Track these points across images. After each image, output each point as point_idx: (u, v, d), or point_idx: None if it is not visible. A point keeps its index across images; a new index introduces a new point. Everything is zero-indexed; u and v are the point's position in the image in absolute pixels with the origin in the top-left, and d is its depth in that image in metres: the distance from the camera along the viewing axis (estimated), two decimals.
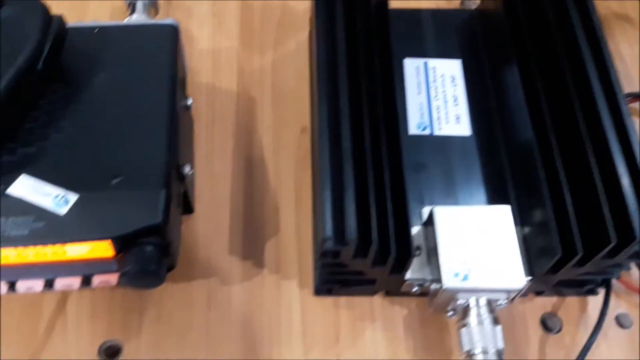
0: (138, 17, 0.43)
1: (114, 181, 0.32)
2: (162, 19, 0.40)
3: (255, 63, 0.47)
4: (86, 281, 0.32)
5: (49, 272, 0.32)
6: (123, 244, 0.31)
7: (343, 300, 0.38)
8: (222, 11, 0.49)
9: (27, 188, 0.31)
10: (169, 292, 0.37)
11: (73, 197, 0.31)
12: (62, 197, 0.31)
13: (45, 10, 0.35)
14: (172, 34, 0.39)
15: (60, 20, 0.36)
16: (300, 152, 0.43)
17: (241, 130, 0.44)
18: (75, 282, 0.32)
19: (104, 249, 0.31)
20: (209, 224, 0.40)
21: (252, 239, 0.40)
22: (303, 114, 0.45)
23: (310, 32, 0.46)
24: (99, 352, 0.35)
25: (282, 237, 0.40)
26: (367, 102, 0.34)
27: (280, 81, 0.46)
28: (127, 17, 0.43)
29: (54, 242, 0.30)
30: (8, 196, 0.31)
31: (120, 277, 0.31)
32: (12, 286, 0.32)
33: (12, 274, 0.31)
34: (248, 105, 0.45)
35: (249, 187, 0.41)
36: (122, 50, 0.38)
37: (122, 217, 0.30)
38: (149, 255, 0.30)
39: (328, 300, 0.38)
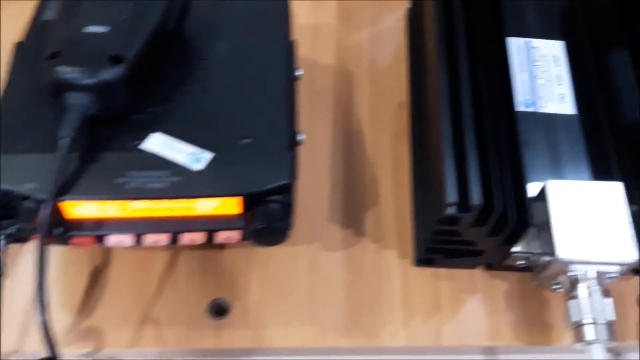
0: None
1: (242, 142, 0.33)
2: None
3: (352, 39, 0.48)
4: (209, 237, 0.33)
5: (176, 227, 0.33)
6: (252, 201, 0.32)
7: (443, 272, 0.38)
8: None
9: (160, 144, 0.32)
10: (274, 255, 0.38)
11: (207, 155, 0.32)
12: (196, 154, 0.32)
13: None
14: (283, 7, 0.41)
15: None
16: (397, 127, 0.44)
17: (340, 103, 0.45)
18: (199, 237, 0.33)
19: (232, 205, 0.32)
20: (310, 192, 0.41)
21: (352, 209, 0.40)
22: (400, 90, 0.45)
23: (415, 9, 0.46)
24: (208, 309, 0.37)
25: (380, 208, 0.41)
26: (484, 75, 0.34)
27: (377, 57, 0.47)
28: None
29: (192, 196, 0.31)
30: (142, 151, 0.32)
31: (247, 233, 0.32)
32: (137, 239, 0.33)
33: (139, 227, 0.33)
34: (346, 80, 0.46)
35: (348, 158, 0.42)
36: (238, 20, 0.39)
37: (253, 176, 0.32)
38: (277, 212, 0.31)
39: (428, 272, 0.38)
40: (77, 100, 0.31)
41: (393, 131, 0.44)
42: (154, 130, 0.33)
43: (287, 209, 0.32)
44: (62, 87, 0.31)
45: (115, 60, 0.32)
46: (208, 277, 0.38)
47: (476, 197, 0.31)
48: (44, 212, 0.30)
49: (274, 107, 0.35)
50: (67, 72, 0.31)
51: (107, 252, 0.38)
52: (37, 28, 0.38)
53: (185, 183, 0.31)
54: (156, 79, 0.35)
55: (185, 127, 0.33)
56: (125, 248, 0.37)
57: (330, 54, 0.47)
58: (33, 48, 0.37)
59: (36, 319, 0.31)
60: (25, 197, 0.30)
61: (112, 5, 0.34)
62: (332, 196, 0.41)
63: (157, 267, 0.38)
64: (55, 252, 0.37)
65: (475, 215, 0.31)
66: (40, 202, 0.30)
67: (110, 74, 0.31)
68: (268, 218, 0.31)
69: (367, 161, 0.42)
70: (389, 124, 0.44)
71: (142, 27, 0.34)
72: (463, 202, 0.31)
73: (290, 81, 0.36)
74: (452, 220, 0.32)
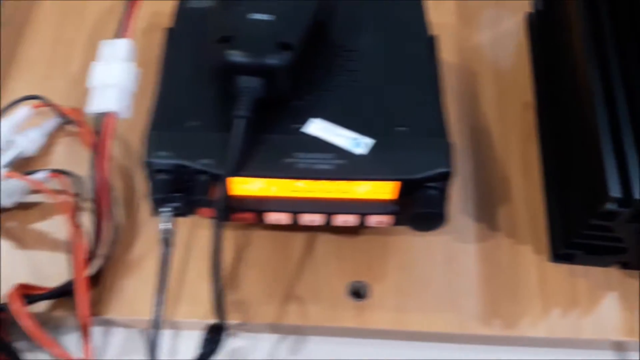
0: None
1: (399, 129, 0.34)
2: None
3: (473, 39, 0.48)
4: (362, 220, 0.34)
5: (331, 208, 0.34)
6: (409, 187, 0.33)
7: (579, 268, 0.38)
8: None
9: (321, 129, 0.34)
10: (408, 243, 0.39)
11: (367, 140, 0.33)
12: (357, 139, 0.33)
13: None
14: (418, 2, 0.42)
15: None
16: (525, 126, 0.44)
17: (465, 101, 0.45)
18: (353, 219, 0.34)
19: (388, 190, 0.33)
20: None
21: (483, 203, 0.41)
22: (524, 90, 0.46)
23: (541, 13, 0.47)
24: (347, 291, 0.38)
25: (512, 204, 0.41)
26: (634, 67, 0.35)
27: (499, 57, 0.47)
28: None
29: (358, 179, 0.32)
30: (305, 134, 0.34)
31: (403, 218, 0.33)
32: (294, 218, 0.34)
33: (297, 206, 0.34)
34: (469, 79, 0.46)
35: (476, 154, 0.43)
36: (378, 15, 0.40)
37: (414, 163, 0.32)
38: (436, 198, 0.32)
39: (564, 268, 0.38)
40: (249, 83, 0.33)
41: (520, 130, 0.44)
42: (312, 116, 0.34)
43: (445, 196, 0.33)
44: (234, 70, 0.33)
45: (284, 46, 0.33)
46: (345, 260, 0.39)
47: (637, 191, 0.31)
48: (222, 187, 0.31)
49: (426, 98, 0.36)
50: (240, 55, 0.32)
51: (248, 232, 0.40)
52: (186, 14, 0.40)
53: (349, 166, 0.32)
54: (310, 67, 0.37)
55: (340, 114, 0.35)
56: (270, 227, 0.39)
57: (452, 52, 0.47)
58: (185, 33, 0.39)
59: (213, 289, 0.32)
60: (200, 172, 0.32)
61: None
62: (463, 190, 0.41)
63: (295, 248, 0.39)
64: (199, 232, 0.39)
65: (635, 210, 0.31)
66: (215, 177, 0.32)
67: (279, 59, 0.33)
68: (428, 204, 0.32)
69: (496, 158, 0.43)
70: (515, 123, 0.44)
71: (304, 15, 0.35)
72: (626, 196, 0.31)
73: (437, 71, 0.37)
74: (611, 215, 0.32)
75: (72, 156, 0.41)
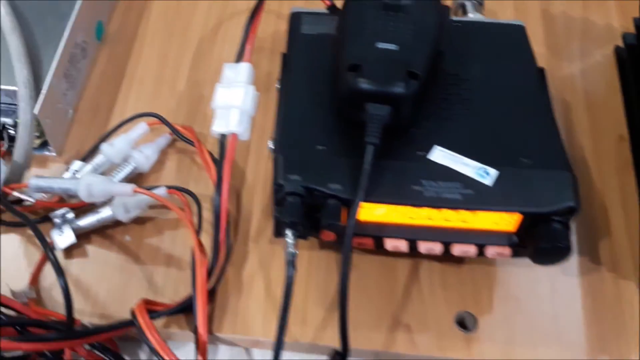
0: (476, 16, 0.46)
1: (522, 161, 0.34)
2: None
3: (564, 70, 0.49)
4: (480, 250, 0.35)
5: (450, 237, 0.34)
6: (532, 220, 0.33)
7: None
8: (525, 17, 0.52)
9: (445, 157, 0.34)
10: (513, 273, 0.39)
11: (493, 171, 0.33)
12: (483, 169, 0.34)
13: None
14: (522, 32, 0.43)
15: (448, 9, 0.40)
16: (620, 158, 0.44)
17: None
18: (472, 249, 0.34)
19: (509, 222, 0.33)
20: None
21: (584, 235, 0.41)
22: (618, 123, 0.46)
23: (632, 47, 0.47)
24: (455, 320, 0.38)
25: (614, 237, 0.41)
26: None
27: (591, 89, 0.48)
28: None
29: (486, 209, 0.32)
30: (431, 162, 0.34)
31: (526, 251, 0.34)
32: (412, 245, 0.35)
33: (416, 234, 0.35)
34: (562, 108, 0.47)
35: None
36: (484, 43, 0.41)
37: (540, 196, 0.33)
38: (562, 232, 0.32)
39: None
40: (378, 111, 0.33)
41: (616, 162, 0.44)
42: (432, 144, 0.35)
43: (570, 230, 0.33)
44: (363, 97, 0.33)
45: (411, 75, 0.34)
46: (450, 290, 0.39)
47: None
48: (353, 212, 0.32)
49: (545, 128, 0.36)
50: (370, 83, 0.33)
51: (354, 256, 0.39)
52: (300, 40, 0.41)
53: (476, 196, 0.33)
54: (428, 96, 0.37)
55: (459, 142, 0.35)
56: (375, 251, 0.39)
57: None
58: (301, 58, 0.40)
59: (339, 314, 0.33)
60: (330, 196, 0.33)
61: (395, 22, 0.36)
62: None
63: (401, 275, 0.39)
64: (302, 253, 0.39)
65: None
66: (343, 201, 0.33)
67: (407, 88, 0.33)
68: (554, 238, 0.32)
69: (594, 189, 0.43)
70: (610, 155, 0.45)
71: (427, 44, 0.36)
72: None
73: (551, 104, 0.38)
74: None
75: (183, 173, 0.42)
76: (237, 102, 0.37)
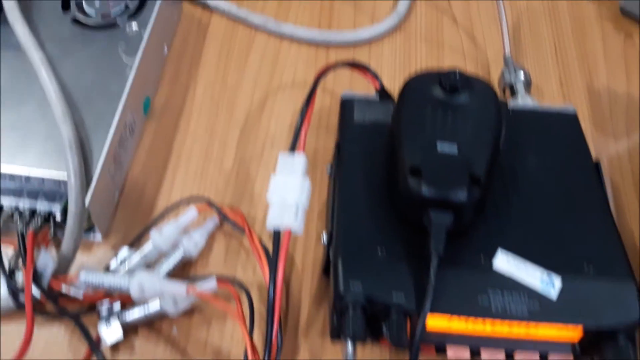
0: (525, 99, 0.45)
1: (584, 267, 0.34)
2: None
3: (610, 149, 0.48)
4: (543, 359, 0.34)
5: (513, 345, 0.34)
6: (597, 332, 0.32)
7: None
8: (569, 90, 0.51)
9: (508, 263, 0.34)
10: None
11: (557, 281, 0.33)
12: (548, 278, 0.33)
13: (496, 94, 0.38)
14: (575, 120, 0.42)
15: (505, 105, 0.40)
16: None
17: None
18: (534, 358, 0.34)
19: (574, 333, 0.33)
20: None
21: None
22: None
23: None
24: None
25: None
26: None
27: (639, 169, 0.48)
28: (508, 99, 0.46)
29: (551, 321, 0.32)
30: (492, 268, 0.33)
31: None
32: (474, 354, 0.34)
33: (477, 342, 0.34)
34: (611, 190, 0.46)
35: None
36: (536, 133, 0.41)
37: (605, 310, 0.32)
38: (626, 348, 0.32)
39: None
40: (442, 219, 0.33)
41: None
42: (492, 247, 0.35)
43: (634, 344, 0.32)
44: (426, 204, 0.33)
45: (474, 180, 0.33)
46: None
47: None
48: (420, 323, 0.31)
49: (606, 231, 0.36)
50: (433, 190, 0.33)
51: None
52: (353, 130, 0.41)
53: (542, 309, 0.32)
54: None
55: (519, 245, 0.35)
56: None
57: None
58: (355, 151, 0.39)
59: None
60: (393, 306, 0.32)
61: (454, 118, 0.36)
62: None
63: None
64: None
65: None
66: (407, 311, 0.32)
67: (471, 195, 0.33)
68: (618, 352, 0.32)
69: None
70: None
71: (487, 144, 0.35)
72: None
73: (608, 203, 0.37)
74: None
75: (231, 258, 0.41)
76: (292, 197, 0.36)
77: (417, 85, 0.38)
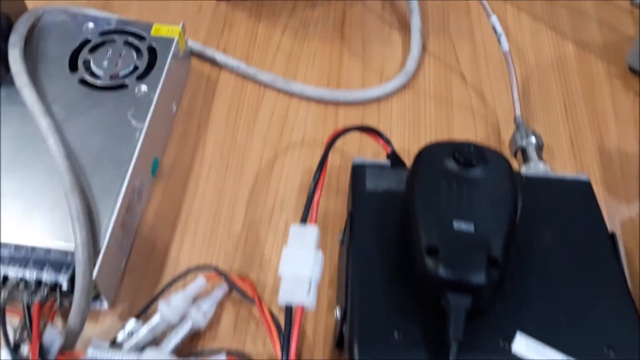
0: (537, 165, 0.45)
1: (605, 351, 0.33)
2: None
3: (624, 213, 0.48)
4: None
5: None
6: None
7: None
8: (580, 150, 0.51)
9: (527, 347, 0.33)
10: None
11: None
12: None
13: (511, 166, 0.38)
14: (589, 189, 0.42)
15: (521, 178, 0.39)
16: None
17: None
18: None
19: None
20: None
21: None
22: None
23: None
24: None
25: None
26: None
27: None
28: (520, 164, 0.46)
29: None
30: (513, 354, 0.33)
31: None
32: None
33: None
34: (626, 257, 0.45)
35: None
36: (552, 205, 0.40)
37: None
38: None
39: None
40: (460, 303, 0.32)
41: None
42: (512, 329, 0.34)
43: None
44: (444, 286, 0.32)
45: (492, 261, 0.33)
46: None
47: None
48: None
49: (626, 314, 0.34)
50: (450, 273, 0.32)
51: None
52: (367, 199, 0.40)
53: None
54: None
55: (540, 326, 0.34)
56: None
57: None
58: (369, 221, 0.38)
59: None
60: None
61: (470, 193, 0.35)
62: None
63: None
64: None
65: None
66: None
67: (490, 277, 0.32)
68: None
69: None
70: None
71: (504, 221, 0.35)
72: None
73: (625, 278, 0.37)
74: None
75: (240, 329, 0.40)
76: (305, 271, 0.35)
77: (430, 157, 0.38)
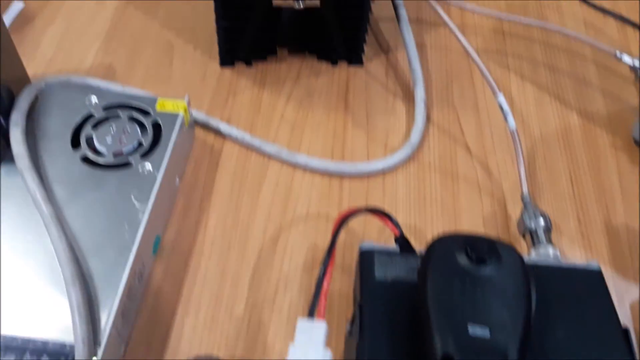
0: (546, 250, 0.44)
1: None
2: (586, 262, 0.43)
3: (632, 293, 0.47)
4: None
5: None
6: None
7: None
8: (589, 231, 0.50)
9: None
10: None
11: None
12: None
13: (523, 261, 0.37)
14: (601, 279, 0.41)
15: (534, 274, 0.39)
16: None
17: None
18: None
19: None
20: None
21: None
22: None
23: None
24: None
25: None
26: None
27: None
28: (529, 248, 0.45)
29: None
30: None
31: None
32: None
33: None
34: (636, 340, 0.45)
35: None
36: (563, 296, 0.39)
37: None
38: None
39: None
40: None
41: None
42: None
43: None
44: None
45: None
46: None
47: None
48: None
49: None
50: None
51: None
52: (377, 290, 0.38)
53: None
54: None
55: None
56: None
57: None
58: (379, 314, 0.37)
59: None
60: None
61: (484, 296, 0.34)
62: None
63: None
64: None
65: None
66: None
67: None
68: None
69: None
70: None
71: (520, 324, 0.34)
72: None
73: None
74: None
75: None
76: None
77: (441, 252, 0.37)
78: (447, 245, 0.37)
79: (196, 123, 0.54)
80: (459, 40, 0.53)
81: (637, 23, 0.66)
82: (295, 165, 0.52)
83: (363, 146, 0.54)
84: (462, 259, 0.36)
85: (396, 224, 0.42)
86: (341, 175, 0.52)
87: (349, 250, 0.47)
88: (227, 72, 0.59)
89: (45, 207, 0.38)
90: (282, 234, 0.48)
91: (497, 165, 0.54)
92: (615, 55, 0.57)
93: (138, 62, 0.59)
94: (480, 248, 0.36)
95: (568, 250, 0.49)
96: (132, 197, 0.42)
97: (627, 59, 0.57)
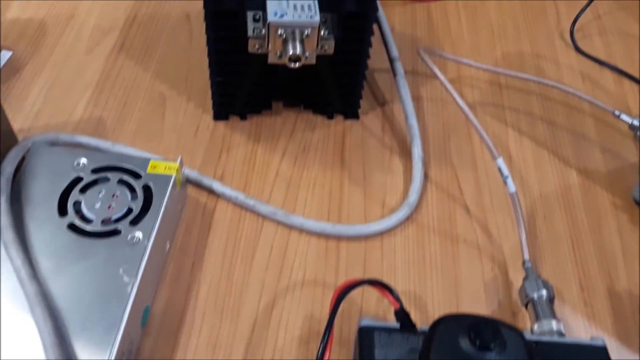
0: (550, 324, 0.43)
1: None
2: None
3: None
4: None
5: None
6: None
7: None
8: (592, 298, 0.49)
9: None
10: None
11: None
12: None
13: (527, 345, 0.36)
14: (605, 354, 0.40)
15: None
16: None
17: None
18: None
19: None
20: None
21: None
22: None
23: None
24: None
25: None
26: None
27: None
28: (532, 319, 0.44)
29: None
30: None
31: None
32: None
33: None
34: None
35: None
36: None
37: None
38: None
39: None
40: None
41: None
42: None
43: None
44: None
45: None
46: None
47: None
48: None
49: None
50: None
51: None
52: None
53: None
54: None
55: None
56: None
57: None
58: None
59: None
60: None
61: None
62: None
63: None
64: None
65: None
66: None
67: None
68: None
69: None
70: None
71: None
72: None
73: None
74: None
75: None
76: None
77: (444, 336, 0.35)
78: (449, 328, 0.35)
79: (188, 181, 0.52)
80: (455, 100, 0.52)
81: (634, 76, 0.66)
82: (290, 227, 0.51)
83: (360, 205, 0.53)
84: (465, 344, 0.34)
85: (396, 297, 0.41)
86: (338, 237, 0.50)
87: (346, 320, 0.45)
88: (221, 125, 0.57)
89: (30, 286, 0.36)
90: (277, 302, 0.46)
91: (497, 226, 0.53)
92: (613, 114, 0.57)
93: (129, 114, 0.57)
94: (484, 333, 0.34)
95: (571, 319, 0.47)
96: (121, 270, 0.40)
97: (625, 117, 0.56)
